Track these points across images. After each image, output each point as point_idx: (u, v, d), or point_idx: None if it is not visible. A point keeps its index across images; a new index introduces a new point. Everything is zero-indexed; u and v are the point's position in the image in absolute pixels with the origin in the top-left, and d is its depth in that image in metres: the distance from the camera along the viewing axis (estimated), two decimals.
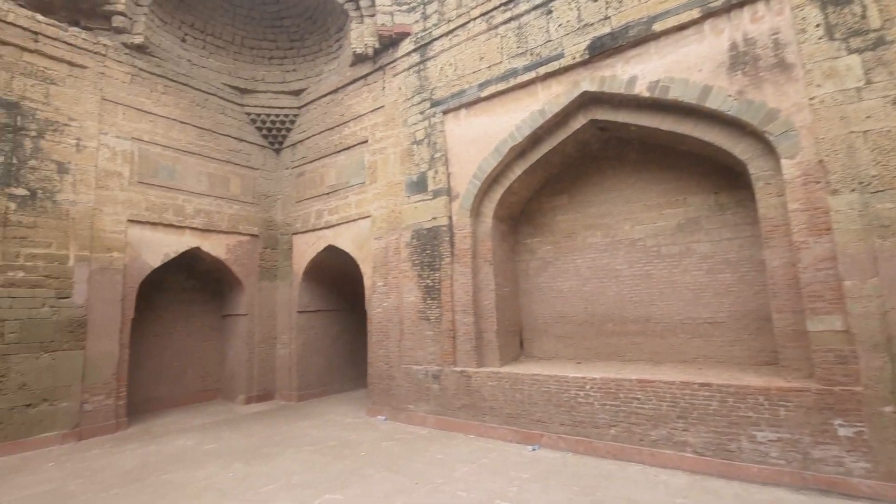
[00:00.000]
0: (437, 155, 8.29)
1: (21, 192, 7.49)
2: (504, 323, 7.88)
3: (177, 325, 10.49)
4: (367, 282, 9.27)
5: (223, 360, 11.08)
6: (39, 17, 7.89)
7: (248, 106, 10.96)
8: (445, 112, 8.31)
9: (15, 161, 7.47)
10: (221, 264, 10.36)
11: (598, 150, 7.85)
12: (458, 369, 7.56)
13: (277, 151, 11.61)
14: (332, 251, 10.34)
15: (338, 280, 11.49)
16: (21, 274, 7.39)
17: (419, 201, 8.46)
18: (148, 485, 5.61)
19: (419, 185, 8.50)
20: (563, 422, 6.36)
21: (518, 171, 7.73)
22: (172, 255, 9.43)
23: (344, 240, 9.85)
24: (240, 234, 10.60)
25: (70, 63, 8.21)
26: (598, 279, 7.69)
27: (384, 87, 9.38)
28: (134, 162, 8.96)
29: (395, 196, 8.86)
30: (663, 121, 6.40)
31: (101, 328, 8.19)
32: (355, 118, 9.85)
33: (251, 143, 11.08)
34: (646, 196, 7.37)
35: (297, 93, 11.15)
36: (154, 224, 9.17)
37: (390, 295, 8.66)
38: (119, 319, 8.45)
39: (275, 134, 11.32)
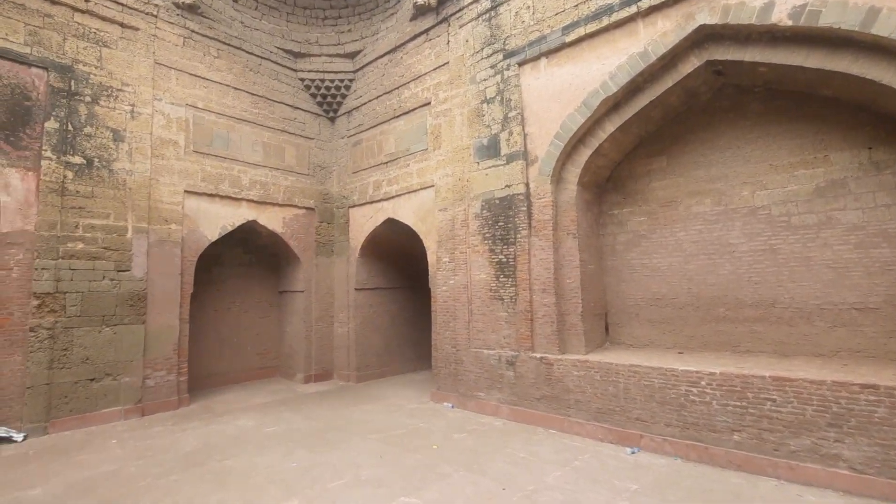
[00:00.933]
0: (512, 114, 7.29)
1: (78, 160, 7.21)
2: (589, 305, 6.90)
3: (235, 300, 10.24)
4: (430, 257, 8.52)
5: (281, 337, 10.79)
6: None
7: (301, 71, 10.32)
8: (521, 63, 7.26)
9: (70, 128, 7.17)
10: (278, 238, 9.93)
11: (708, 101, 6.57)
12: (538, 355, 6.69)
13: (332, 120, 10.96)
14: (391, 225, 9.66)
15: (397, 256, 10.84)
16: (80, 245, 7.15)
17: (490, 167, 7.53)
18: (209, 471, 5.18)
19: (490, 150, 7.56)
20: (670, 422, 5.38)
21: (610, 128, 6.61)
22: (229, 229, 9.05)
23: (405, 212, 9.11)
24: (295, 206, 10.11)
25: (122, 24, 7.79)
26: (707, 255, 6.51)
27: (448, 42, 8.40)
28: (189, 130, 8.54)
29: (461, 163, 7.97)
30: (808, 56, 5.10)
31: (160, 302, 7.93)
32: (416, 78, 8.96)
33: (306, 110, 10.47)
34: (772, 154, 6.08)
35: (352, 55, 10.38)
36: (210, 195, 8.79)
37: (457, 272, 7.86)
38: (178, 293, 8.18)
39: (329, 101, 10.65)
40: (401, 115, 9.28)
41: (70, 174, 7.12)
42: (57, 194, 6.96)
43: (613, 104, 6.51)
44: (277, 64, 10.00)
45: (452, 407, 7.70)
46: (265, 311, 10.73)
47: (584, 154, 6.83)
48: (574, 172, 6.91)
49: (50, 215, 6.88)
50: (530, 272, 6.92)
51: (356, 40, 10.30)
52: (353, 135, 10.44)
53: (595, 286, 7.18)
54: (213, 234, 8.81)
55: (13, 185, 6.65)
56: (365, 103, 10.15)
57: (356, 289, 10.17)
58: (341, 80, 10.47)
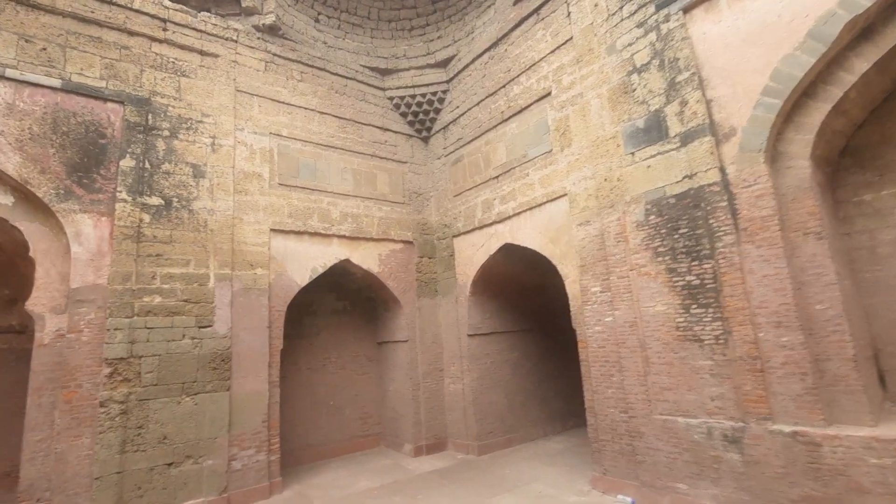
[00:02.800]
0: (682, 77, 5.22)
1: (155, 200, 6.26)
2: (859, 343, 4.34)
3: (330, 355, 8.79)
4: (570, 288, 6.43)
5: (383, 398, 9.09)
6: (167, 2, 6.81)
7: (390, 89, 9.13)
8: (687, 9, 5.24)
9: (147, 165, 6.29)
10: (374, 279, 8.43)
11: None
12: (785, 429, 4.22)
13: (425, 140, 9.57)
14: (508, 253, 7.77)
15: (515, 291, 8.87)
16: (158, 299, 6.06)
17: (653, 156, 5.44)
18: None
19: (650, 132, 5.49)
20: None
21: (860, 66, 4.29)
22: (320, 271, 7.70)
23: (526, 234, 7.19)
24: (391, 240, 8.63)
25: (201, 52, 7.02)
26: None
27: (569, 13, 6.64)
28: (273, 161, 7.48)
29: (605, 157, 5.96)
30: None
31: (247, 363, 6.59)
32: (528, 68, 7.26)
33: (396, 132, 9.18)
34: None
35: (444, 63, 9.03)
36: (298, 233, 7.55)
37: (616, 304, 5.67)
38: (267, 351, 6.82)
39: (421, 119, 9.30)
40: (511, 116, 7.56)
41: (146, 217, 6.16)
42: (132, 241, 5.99)
43: (862, 29, 4.22)
44: (364, 83, 8.89)
45: (633, 503, 5.30)
46: (363, 366, 9.16)
47: (817, 112, 4.51)
48: (801, 142, 4.58)
49: (124, 265, 5.88)
50: (748, 296, 4.57)
51: (447, 46, 8.96)
52: (452, 152, 8.90)
53: (855, 313, 4.60)
54: (302, 279, 7.49)
55: (85, 233, 5.75)
56: (463, 113, 8.63)
57: (469, 335, 8.27)
58: (433, 93, 9.11)
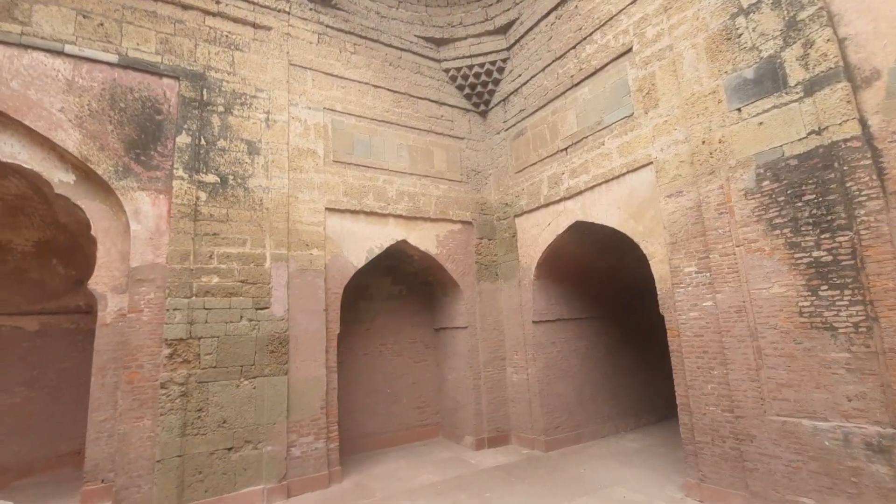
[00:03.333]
0: (805, 13, 4.32)
1: (211, 178, 6.06)
2: None
3: (386, 341, 8.45)
4: (657, 269, 5.67)
5: (441, 387, 8.67)
6: None
7: (445, 60, 8.56)
8: None
9: (203, 142, 6.09)
10: (431, 261, 7.98)
11: None
12: None
13: (483, 114, 8.95)
14: (578, 232, 7.08)
15: (585, 274, 8.15)
16: (216, 279, 5.87)
17: (766, 111, 4.58)
18: None
19: (761, 83, 4.63)
20: None
21: None
22: (377, 252, 7.32)
23: (602, 209, 6.46)
24: (450, 220, 8.12)
25: (254, 25, 6.74)
26: None
27: None
28: (328, 136, 7.14)
29: (702, 117, 5.13)
30: None
31: (304, 346, 6.33)
32: (604, 24, 6.47)
33: (453, 106, 8.63)
34: None
35: (504, 29, 8.35)
36: (354, 212, 7.19)
37: (718, 286, 4.89)
38: (324, 335, 6.53)
39: (479, 91, 8.69)
40: (583, 79, 6.81)
41: (203, 195, 5.97)
42: (189, 219, 5.81)
43: None
44: (418, 55, 8.37)
45: None
46: (420, 353, 8.77)
47: None
48: None
49: (182, 244, 5.71)
50: None
51: (508, 9, 8.26)
52: (513, 125, 8.24)
53: None
54: (358, 260, 7.14)
55: (143, 210, 5.62)
56: (526, 82, 7.93)
57: (534, 321, 7.65)
58: (492, 63, 8.45)
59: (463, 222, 8.26)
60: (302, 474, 5.99)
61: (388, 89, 7.91)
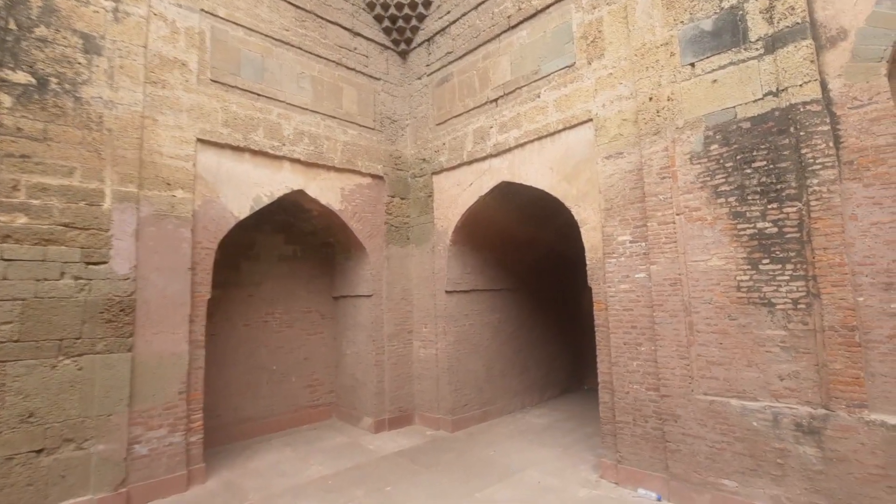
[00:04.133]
0: None
1: (21, 77, 4.26)
2: None
3: (275, 310, 7.15)
4: (588, 237, 5.19)
5: (338, 363, 7.64)
6: None
7: None
8: None
9: (13, 26, 4.23)
10: (334, 219, 6.81)
11: None
12: (892, 420, 3.26)
13: (404, 56, 7.82)
14: (503, 194, 6.43)
15: (503, 243, 7.58)
16: (22, 219, 4.18)
17: (723, 66, 4.19)
18: None
19: (719, 36, 4.22)
20: None
21: None
22: (266, 201, 5.97)
23: (533, 169, 5.82)
24: (357, 172, 6.98)
25: None
26: None
27: None
28: (204, 47, 5.54)
29: (652, 70, 4.64)
30: None
31: (158, 314, 4.89)
32: None
33: (368, 39, 7.36)
34: None
35: None
36: (238, 150, 5.75)
37: (654, 257, 4.50)
38: (188, 301, 5.13)
39: (401, 27, 7.52)
40: (521, 21, 6.03)
41: (8, 100, 4.17)
42: None
43: None
44: None
45: (660, 499, 4.31)
46: (316, 324, 7.61)
47: None
48: None
49: None
50: (847, 250, 3.50)
51: None
52: (437, 70, 7.26)
53: None
54: (241, 210, 5.75)
55: None
56: (455, 21, 6.96)
57: (447, 291, 6.92)
58: None
59: (373, 176, 7.17)
60: (149, 477, 4.66)
61: (291, 3, 6.42)
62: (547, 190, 5.62)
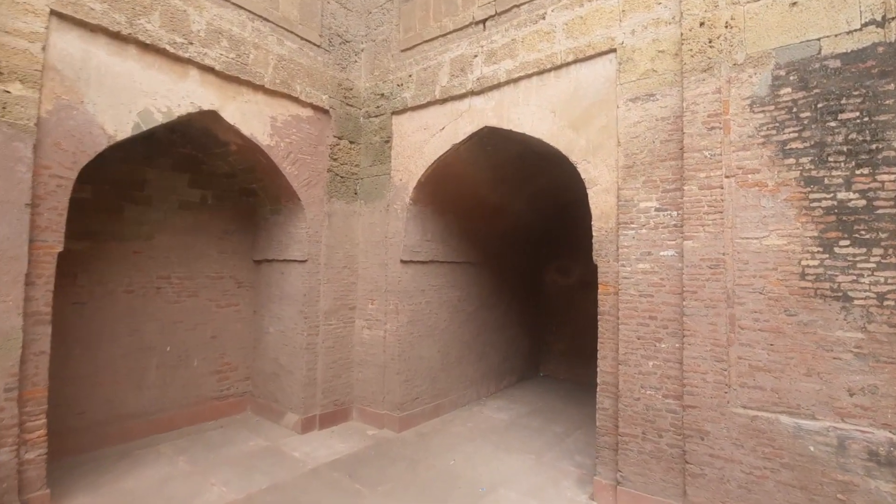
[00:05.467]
0: None
1: None
2: None
3: (170, 273, 5.42)
4: (597, 201, 4.10)
5: (257, 344, 6.09)
6: None
7: None
8: None
9: None
10: (260, 157, 5.17)
11: None
12: None
13: None
14: (482, 143, 5.18)
15: (470, 207, 6.35)
16: None
17: None
18: None
19: None
20: None
21: None
22: (160, 120, 4.23)
23: (527, 112, 4.59)
24: (295, 100, 5.35)
25: None
26: None
27: None
28: None
29: None
30: None
31: None
32: None
33: None
34: None
35: None
36: (119, 39, 3.94)
37: (689, 230, 3.51)
38: (24, 253, 3.39)
39: None
40: None
41: None
42: None
43: None
44: None
45: None
46: (229, 294, 5.97)
47: None
48: None
49: None
50: None
51: None
52: None
53: None
54: (120, 126, 3.99)
55: None
56: None
57: (402, 261, 5.61)
58: None
59: (316, 108, 5.57)
60: None
61: None
62: (545, 139, 4.43)
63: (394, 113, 5.74)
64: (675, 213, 3.62)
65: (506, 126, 4.72)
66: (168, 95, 4.27)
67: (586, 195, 4.20)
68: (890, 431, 2.83)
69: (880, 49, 2.93)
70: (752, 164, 3.32)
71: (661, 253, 3.67)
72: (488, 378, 7.11)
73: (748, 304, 3.30)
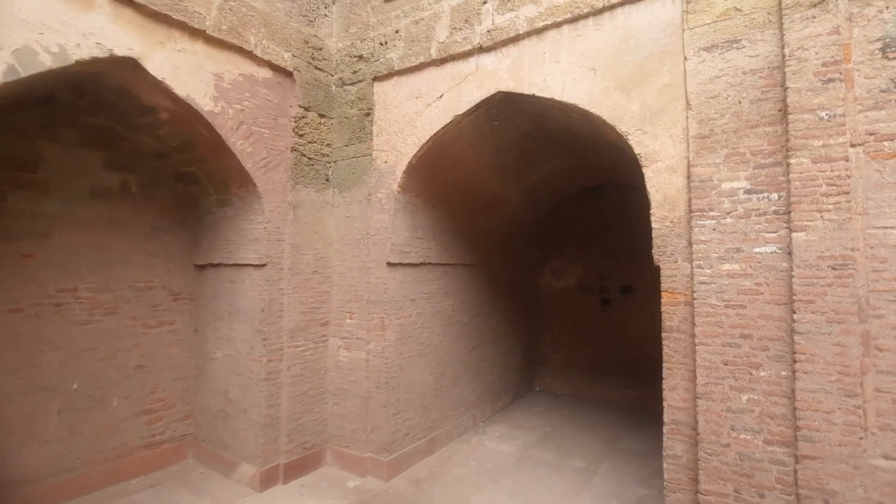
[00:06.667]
0: None
1: None
2: None
3: (78, 283, 4.03)
4: (657, 182, 3.15)
5: (201, 373, 4.76)
6: None
7: None
8: None
9: None
10: (200, 128, 3.90)
11: None
12: None
13: None
14: (492, 116, 4.15)
15: (469, 198, 5.32)
16: None
17: None
18: None
19: None
20: None
21: None
22: (49, 65, 2.92)
23: (559, 71, 3.58)
24: (248, 55, 4.12)
25: None
26: None
27: None
28: None
29: None
30: None
31: None
32: None
33: None
34: None
35: None
36: None
37: (800, 219, 2.61)
38: None
39: None
40: None
41: None
42: None
43: None
44: None
45: None
46: (161, 310, 4.61)
47: None
48: None
49: None
50: None
51: None
52: None
53: None
54: None
55: None
56: None
57: (390, 263, 4.47)
58: None
59: (275, 68, 4.35)
60: None
61: None
62: (583, 105, 3.44)
63: (376, 79, 4.60)
64: (775, 196, 2.72)
65: (527, 90, 3.71)
66: (62, 30, 2.97)
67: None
68: None
69: None
70: (887, 129, 2.46)
71: (757, 249, 2.76)
72: (484, 399, 6.08)
73: (889, 316, 2.43)
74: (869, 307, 2.47)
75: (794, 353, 2.60)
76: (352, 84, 4.75)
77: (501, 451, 5.07)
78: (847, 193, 2.51)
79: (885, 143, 2.46)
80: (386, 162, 4.51)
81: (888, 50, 2.47)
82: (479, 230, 5.82)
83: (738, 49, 2.87)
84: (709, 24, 2.96)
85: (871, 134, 2.49)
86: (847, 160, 2.52)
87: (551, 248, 7.63)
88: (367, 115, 4.63)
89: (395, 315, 4.55)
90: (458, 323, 5.55)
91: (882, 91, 2.48)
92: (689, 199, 2.98)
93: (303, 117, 4.56)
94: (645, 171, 3.19)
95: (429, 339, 4.99)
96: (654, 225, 3.15)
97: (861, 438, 2.45)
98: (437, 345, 5.14)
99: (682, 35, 3.05)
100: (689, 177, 2.99)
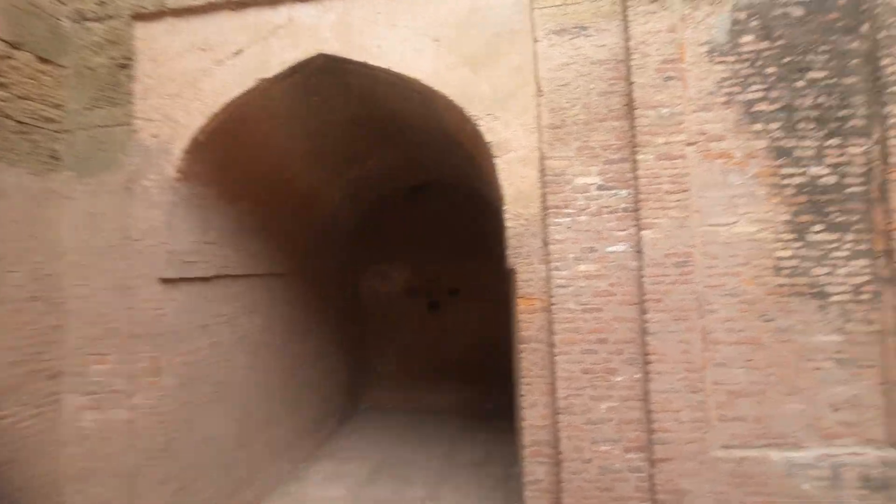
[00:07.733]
0: None
1: None
2: None
3: None
4: (509, 175, 2.81)
5: None
6: None
7: None
8: None
9: None
10: None
11: None
12: None
13: None
14: (309, 86, 3.30)
15: (276, 192, 4.26)
16: None
17: None
18: None
19: None
20: None
21: None
22: None
23: (397, 37, 2.95)
24: None
25: None
26: None
27: None
28: None
29: None
30: None
31: None
32: None
33: None
34: None
35: None
36: None
37: (648, 216, 2.56)
38: None
39: None
40: None
41: None
42: None
43: None
44: None
45: None
46: None
47: None
48: None
49: None
50: None
51: None
52: None
53: None
54: None
55: None
56: None
57: (166, 280, 3.18)
58: None
59: None
60: None
61: None
62: (427, 82, 2.90)
63: (138, 17, 3.24)
64: (624, 193, 2.63)
65: (357, 56, 2.99)
66: None
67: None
68: (877, 448, 2.39)
69: (840, 1, 2.50)
70: (715, 129, 2.57)
71: (610, 248, 2.63)
72: (305, 435, 5.09)
73: (720, 311, 2.53)
74: (707, 303, 2.54)
75: (646, 354, 2.53)
76: (97, 20, 3.27)
77: (330, 497, 4.22)
78: (686, 191, 2.54)
79: (712, 144, 2.57)
80: (156, 136, 3.21)
81: (714, 54, 2.59)
82: (292, 232, 4.82)
83: (586, 37, 2.71)
84: (558, 5, 2.74)
85: (702, 134, 2.58)
86: (685, 158, 2.55)
87: (375, 250, 7.02)
88: (124, 67, 3.24)
89: (177, 351, 3.28)
90: (270, 347, 4.46)
91: (710, 93, 2.58)
92: (544, 195, 2.72)
93: (8, 57, 2.92)
94: (496, 161, 2.82)
95: (229, 375, 3.81)
96: (507, 224, 2.80)
97: (704, 433, 2.49)
98: (242, 381, 3.98)
99: (532, 14, 2.78)
100: (542, 170, 2.73)
